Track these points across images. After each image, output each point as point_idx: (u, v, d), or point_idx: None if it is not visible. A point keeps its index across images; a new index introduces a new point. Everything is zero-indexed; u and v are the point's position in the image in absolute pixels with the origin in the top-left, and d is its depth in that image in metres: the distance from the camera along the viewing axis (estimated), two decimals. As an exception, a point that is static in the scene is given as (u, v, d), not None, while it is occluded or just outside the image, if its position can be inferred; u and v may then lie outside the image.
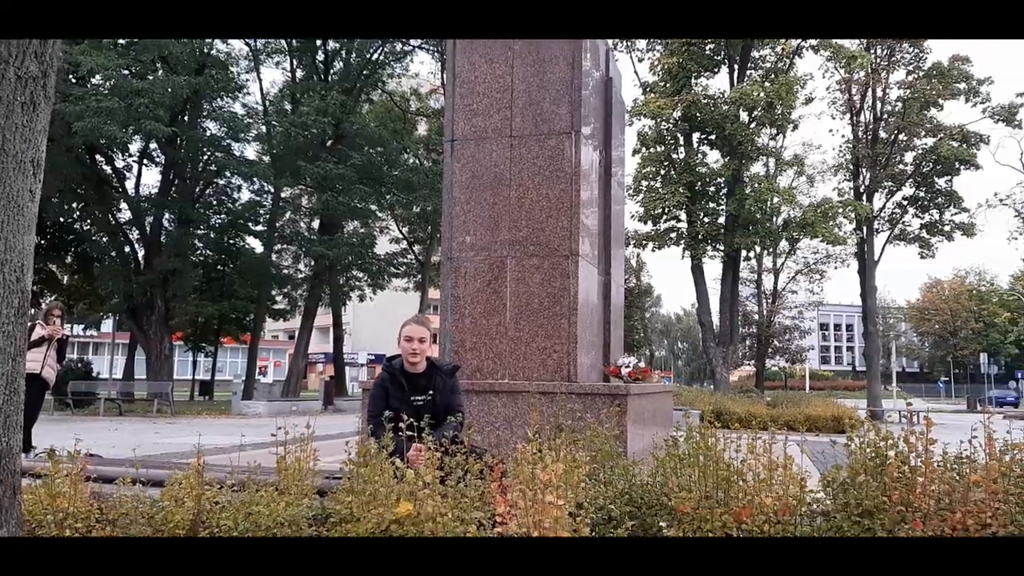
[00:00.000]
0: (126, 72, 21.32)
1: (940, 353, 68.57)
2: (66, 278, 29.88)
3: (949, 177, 28.03)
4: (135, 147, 25.07)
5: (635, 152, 25.94)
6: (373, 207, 28.19)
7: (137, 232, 25.55)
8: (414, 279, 35.67)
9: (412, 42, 29.40)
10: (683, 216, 25.70)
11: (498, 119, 7.53)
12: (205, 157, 25.34)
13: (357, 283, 31.67)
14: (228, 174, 26.23)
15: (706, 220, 25.43)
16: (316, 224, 29.99)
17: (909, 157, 28.62)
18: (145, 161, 26.34)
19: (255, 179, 26.06)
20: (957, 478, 2.97)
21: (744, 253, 28.62)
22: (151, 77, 21.79)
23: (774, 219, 24.71)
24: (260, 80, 29.22)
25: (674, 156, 25.63)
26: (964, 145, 26.75)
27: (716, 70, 25.90)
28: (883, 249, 29.45)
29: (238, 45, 28.50)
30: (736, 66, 25.46)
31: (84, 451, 4.28)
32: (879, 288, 32.28)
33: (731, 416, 14.20)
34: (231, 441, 9.16)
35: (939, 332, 65.97)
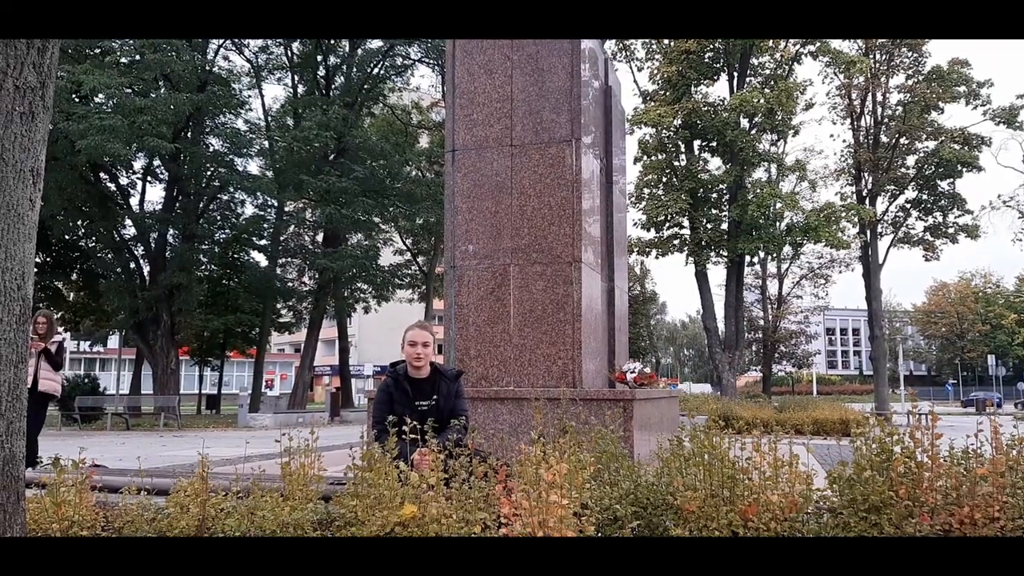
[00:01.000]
0: (128, 90, 21.47)
1: (947, 356, 68.26)
2: (72, 295, 30.00)
3: (951, 179, 28.04)
4: (139, 164, 25.32)
5: (637, 160, 25.97)
6: (376, 219, 28.30)
7: (142, 248, 25.70)
8: (419, 290, 35.75)
9: (412, 55, 29.59)
10: (686, 223, 25.67)
11: (498, 128, 7.56)
12: (208, 173, 25.50)
13: (362, 295, 31.74)
14: (231, 189, 26.40)
15: (709, 226, 25.39)
16: (320, 237, 30.12)
17: (911, 160, 28.64)
18: (149, 178, 26.54)
19: (258, 194, 26.22)
20: (964, 473, 2.95)
21: (748, 259, 28.59)
22: (153, 95, 21.94)
23: (777, 224, 24.67)
24: (262, 96, 29.68)
25: (676, 163, 25.63)
26: (966, 148, 26.75)
27: (715, 78, 25.93)
28: (887, 252, 29.45)
29: (239, 62, 28.77)
30: (735, 73, 25.50)
31: (89, 462, 4.29)
32: (884, 291, 32.26)
33: (738, 420, 14.13)
34: (237, 453, 9.15)
35: (946, 335, 65.72)
